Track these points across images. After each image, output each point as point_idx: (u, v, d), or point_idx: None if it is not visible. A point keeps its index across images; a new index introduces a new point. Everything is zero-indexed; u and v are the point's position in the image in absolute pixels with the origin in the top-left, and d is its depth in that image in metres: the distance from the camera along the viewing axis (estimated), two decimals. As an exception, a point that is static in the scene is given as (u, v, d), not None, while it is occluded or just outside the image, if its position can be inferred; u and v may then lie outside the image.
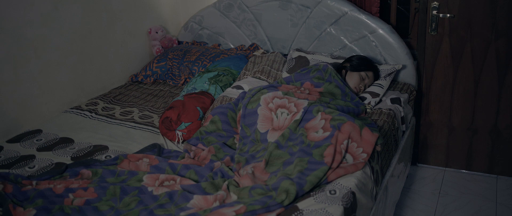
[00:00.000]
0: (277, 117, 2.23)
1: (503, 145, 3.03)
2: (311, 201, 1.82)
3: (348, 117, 2.15)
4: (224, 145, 2.26)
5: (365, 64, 2.78)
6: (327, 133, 2.08)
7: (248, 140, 2.22)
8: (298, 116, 2.19)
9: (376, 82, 2.84)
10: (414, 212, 2.79)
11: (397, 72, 3.05)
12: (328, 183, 1.96)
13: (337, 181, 1.95)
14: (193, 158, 2.19)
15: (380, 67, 2.89)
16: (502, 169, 3.09)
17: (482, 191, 2.97)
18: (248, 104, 2.31)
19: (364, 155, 2.09)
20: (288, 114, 2.22)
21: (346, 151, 2.07)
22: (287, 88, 2.48)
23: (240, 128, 2.29)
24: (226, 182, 1.93)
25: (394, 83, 3.02)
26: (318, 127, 2.13)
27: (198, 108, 2.54)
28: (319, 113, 2.18)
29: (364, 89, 2.76)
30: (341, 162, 2.04)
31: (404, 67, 2.99)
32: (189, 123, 2.46)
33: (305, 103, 2.26)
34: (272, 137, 2.18)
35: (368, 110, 2.65)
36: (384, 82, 2.83)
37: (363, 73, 2.74)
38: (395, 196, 2.60)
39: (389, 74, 2.87)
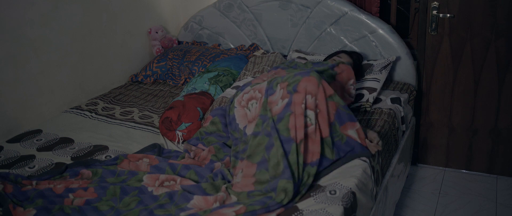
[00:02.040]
0: (249, 110, 2.21)
1: (503, 145, 3.03)
2: (311, 202, 1.82)
3: (304, 73, 2.07)
4: (224, 145, 2.26)
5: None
6: (286, 101, 2.01)
7: (237, 141, 2.22)
8: (263, 99, 2.14)
9: (372, 76, 2.83)
10: (414, 212, 2.79)
11: (397, 72, 3.05)
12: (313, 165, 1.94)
13: (337, 181, 1.95)
14: (193, 158, 2.19)
15: (375, 63, 2.90)
16: (502, 169, 3.09)
17: (482, 191, 2.97)
18: (229, 111, 2.31)
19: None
20: (256, 103, 2.18)
21: (306, 108, 2.00)
22: (259, 80, 2.45)
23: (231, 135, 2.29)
24: (225, 185, 1.93)
25: (394, 83, 3.02)
26: (278, 98, 2.06)
27: (198, 108, 2.54)
28: (278, 84, 2.11)
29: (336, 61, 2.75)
30: (306, 126, 1.97)
31: (398, 58, 2.99)
32: (189, 124, 2.46)
33: (265, 83, 2.21)
34: (249, 130, 2.15)
35: (367, 109, 2.65)
36: (380, 76, 2.83)
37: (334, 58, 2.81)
38: (395, 196, 2.60)
39: (384, 67, 2.87)
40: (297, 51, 3.17)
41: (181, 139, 2.43)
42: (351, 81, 2.55)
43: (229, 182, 2.00)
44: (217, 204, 1.83)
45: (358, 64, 2.86)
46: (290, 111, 1.97)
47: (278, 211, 1.78)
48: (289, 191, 1.81)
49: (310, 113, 1.98)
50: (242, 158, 2.04)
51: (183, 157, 2.19)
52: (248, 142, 2.09)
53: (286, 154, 1.89)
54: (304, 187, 1.89)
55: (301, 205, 1.81)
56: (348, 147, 2.07)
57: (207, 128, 2.36)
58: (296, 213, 1.76)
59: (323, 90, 2.03)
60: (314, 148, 1.96)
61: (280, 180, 1.84)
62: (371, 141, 2.20)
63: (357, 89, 2.75)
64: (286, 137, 1.93)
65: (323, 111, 2.02)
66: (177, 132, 2.44)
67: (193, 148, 2.27)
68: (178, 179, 1.98)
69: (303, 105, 1.97)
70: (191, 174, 2.03)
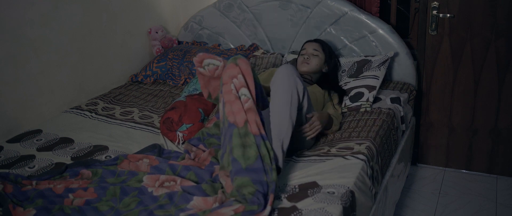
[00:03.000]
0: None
1: (503, 145, 3.03)
2: (310, 201, 1.82)
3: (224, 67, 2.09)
4: None
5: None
6: (222, 100, 2.01)
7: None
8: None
9: (370, 74, 2.82)
10: (414, 212, 2.79)
11: (397, 72, 3.05)
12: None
13: (336, 181, 1.95)
14: (194, 159, 2.19)
15: (373, 59, 2.90)
16: (502, 169, 3.09)
17: (482, 191, 2.97)
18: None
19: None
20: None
21: (237, 90, 2.00)
22: None
23: None
24: (222, 189, 1.93)
25: (393, 83, 3.02)
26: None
27: (200, 109, 2.54)
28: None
29: (310, 60, 2.70)
30: (244, 104, 1.96)
31: (396, 54, 2.99)
32: (190, 125, 2.45)
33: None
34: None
35: (368, 109, 2.65)
36: (379, 72, 2.83)
37: (301, 52, 2.79)
38: (395, 196, 2.60)
39: (382, 63, 2.87)
40: (292, 52, 3.20)
41: (182, 140, 2.43)
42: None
43: None
44: (217, 205, 1.83)
45: (331, 59, 2.83)
46: (224, 102, 2.01)
47: (270, 200, 1.77)
48: (248, 187, 1.80)
49: (244, 91, 2.00)
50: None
51: (183, 158, 2.18)
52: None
53: (230, 143, 1.92)
54: (271, 161, 1.90)
55: (300, 204, 1.81)
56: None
57: (210, 129, 2.35)
58: (295, 213, 1.76)
59: (243, 68, 2.04)
60: (258, 119, 1.97)
61: (234, 179, 1.84)
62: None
63: (355, 88, 2.75)
64: (229, 125, 1.96)
65: (251, 83, 2.04)
66: (178, 133, 2.44)
67: (194, 148, 2.26)
68: (179, 180, 1.98)
69: (233, 90, 1.99)
70: (191, 176, 2.03)
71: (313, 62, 2.71)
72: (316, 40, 2.83)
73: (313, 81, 2.74)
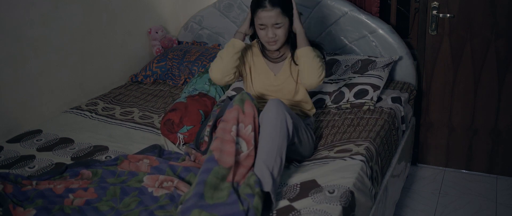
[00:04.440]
0: None
1: (503, 145, 3.03)
2: (309, 201, 1.82)
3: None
4: None
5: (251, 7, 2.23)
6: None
7: None
8: None
9: (375, 73, 2.81)
10: (414, 212, 2.79)
11: (397, 72, 3.06)
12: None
13: (336, 181, 1.95)
14: (194, 161, 2.19)
15: (377, 60, 2.89)
16: (502, 169, 3.09)
17: (482, 191, 2.97)
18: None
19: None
20: None
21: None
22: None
23: None
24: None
25: (394, 83, 3.02)
26: None
27: (201, 111, 2.53)
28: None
29: (275, 36, 2.21)
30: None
31: (400, 58, 2.99)
32: (191, 127, 2.45)
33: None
34: None
35: (371, 107, 2.65)
36: (383, 74, 2.82)
37: (257, 23, 2.21)
38: (395, 196, 2.60)
39: (387, 65, 2.87)
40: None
41: (182, 141, 2.43)
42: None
43: None
44: None
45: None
46: (215, 137, 1.93)
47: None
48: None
49: (244, 146, 1.91)
50: None
51: (184, 159, 2.18)
52: None
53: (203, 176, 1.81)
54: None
55: (299, 204, 1.81)
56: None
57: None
58: (293, 213, 1.76)
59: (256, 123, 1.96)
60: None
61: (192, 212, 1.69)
62: None
63: (360, 84, 2.74)
64: (209, 159, 1.86)
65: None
66: (179, 134, 2.44)
67: (194, 151, 2.26)
68: (175, 180, 1.98)
69: (233, 133, 1.90)
70: (191, 177, 2.03)
71: (280, 35, 2.21)
72: (272, 4, 2.15)
73: (285, 55, 2.36)
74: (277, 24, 2.18)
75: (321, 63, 2.23)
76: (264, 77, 2.37)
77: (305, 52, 2.22)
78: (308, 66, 2.21)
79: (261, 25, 2.20)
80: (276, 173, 1.86)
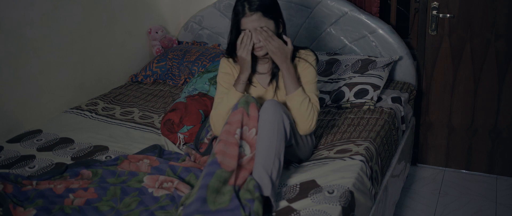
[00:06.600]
0: None
1: (503, 145, 3.04)
2: (309, 202, 1.82)
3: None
4: None
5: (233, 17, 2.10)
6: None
7: None
8: None
9: (375, 73, 2.81)
10: (414, 212, 2.80)
11: (397, 72, 3.06)
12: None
13: (335, 181, 1.94)
14: (194, 162, 2.19)
15: (378, 59, 2.89)
16: (502, 169, 3.09)
17: (482, 191, 2.97)
18: None
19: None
20: None
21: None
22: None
23: None
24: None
25: (394, 83, 3.02)
26: None
27: (201, 111, 2.54)
28: None
29: (260, 43, 2.05)
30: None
31: (400, 58, 2.99)
32: (191, 126, 2.45)
33: None
34: None
35: (371, 107, 2.65)
36: (383, 73, 2.82)
37: (242, 31, 2.07)
38: (395, 196, 2.60)
39: (387, 65, 2.87)
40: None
41: (183, 141, 2.43)
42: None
43: None
44: None
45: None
46: (219, 139, 1.93)
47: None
48: None
49: (247, 150, 1.91)
50: None
51: (184, 160, 2.18)
52: None
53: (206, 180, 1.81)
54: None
55: (298, 204, 1.81)
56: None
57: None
58: (293, 213, 1.76)
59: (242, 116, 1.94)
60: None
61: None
62: None
63: (361, 84, 2.74)
64: (212, 162, 1.85)
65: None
66: (179, 134, 2.44)
67: (194, 152, 2.26)
68: (175, 181, 1.98)
69: (237, 136, 1.89)
70: (191, 177, 2.03)
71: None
72: (251, 9, 2.02)
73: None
74: (260, 28, 2.03)
75: (310, 110, 2.06)
76: (253, 91, 2.20)
77: (292, 103, 2.07)
78: (299, 117, 2.08)
79: (245, 33, 2.05)
80: (275, 176, 1.84)
